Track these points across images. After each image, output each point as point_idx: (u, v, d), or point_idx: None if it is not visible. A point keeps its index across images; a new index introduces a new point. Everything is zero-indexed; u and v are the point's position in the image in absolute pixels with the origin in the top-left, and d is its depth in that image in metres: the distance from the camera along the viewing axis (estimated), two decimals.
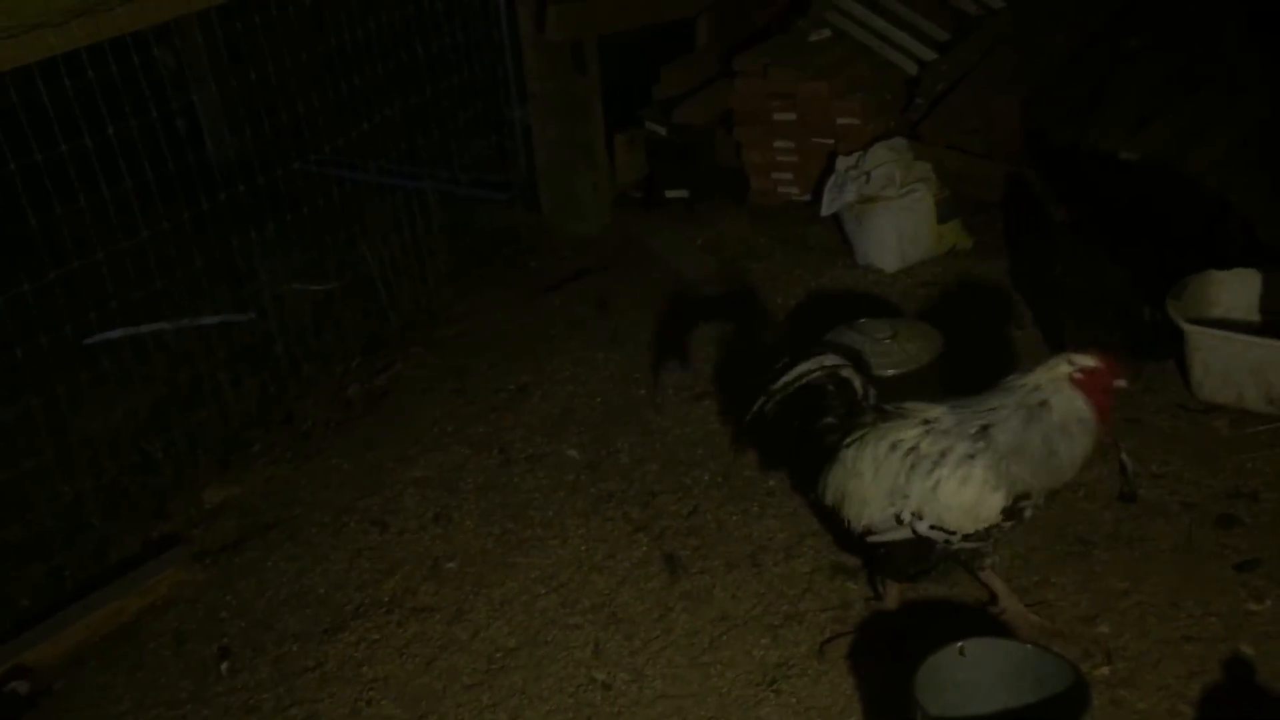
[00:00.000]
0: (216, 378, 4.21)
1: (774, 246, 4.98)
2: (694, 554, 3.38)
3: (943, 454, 2.80)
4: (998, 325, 4.19)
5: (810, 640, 3.04)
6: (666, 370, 4.21)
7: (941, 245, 4.72)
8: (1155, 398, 3.71)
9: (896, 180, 4.71)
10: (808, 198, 5.20)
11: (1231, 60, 5.47)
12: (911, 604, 3.11)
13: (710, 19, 5.82)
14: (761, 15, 5.90)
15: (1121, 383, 2.78)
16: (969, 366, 3.43)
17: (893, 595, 3.07)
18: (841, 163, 4.92)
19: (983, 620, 2.99)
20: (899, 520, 2.84)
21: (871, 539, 2.92)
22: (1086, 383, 2.72)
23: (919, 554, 2.90)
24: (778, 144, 5.23)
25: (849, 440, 2.92)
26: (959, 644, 2.53)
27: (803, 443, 3.01)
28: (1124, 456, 3.40)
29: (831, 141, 5.12)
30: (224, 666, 3.20)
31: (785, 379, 2.95)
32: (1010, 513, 2.78)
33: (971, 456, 2.76)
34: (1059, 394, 2.73)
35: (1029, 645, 2.59)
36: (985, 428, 2.78)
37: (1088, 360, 2.74)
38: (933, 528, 2.81)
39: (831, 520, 3.06)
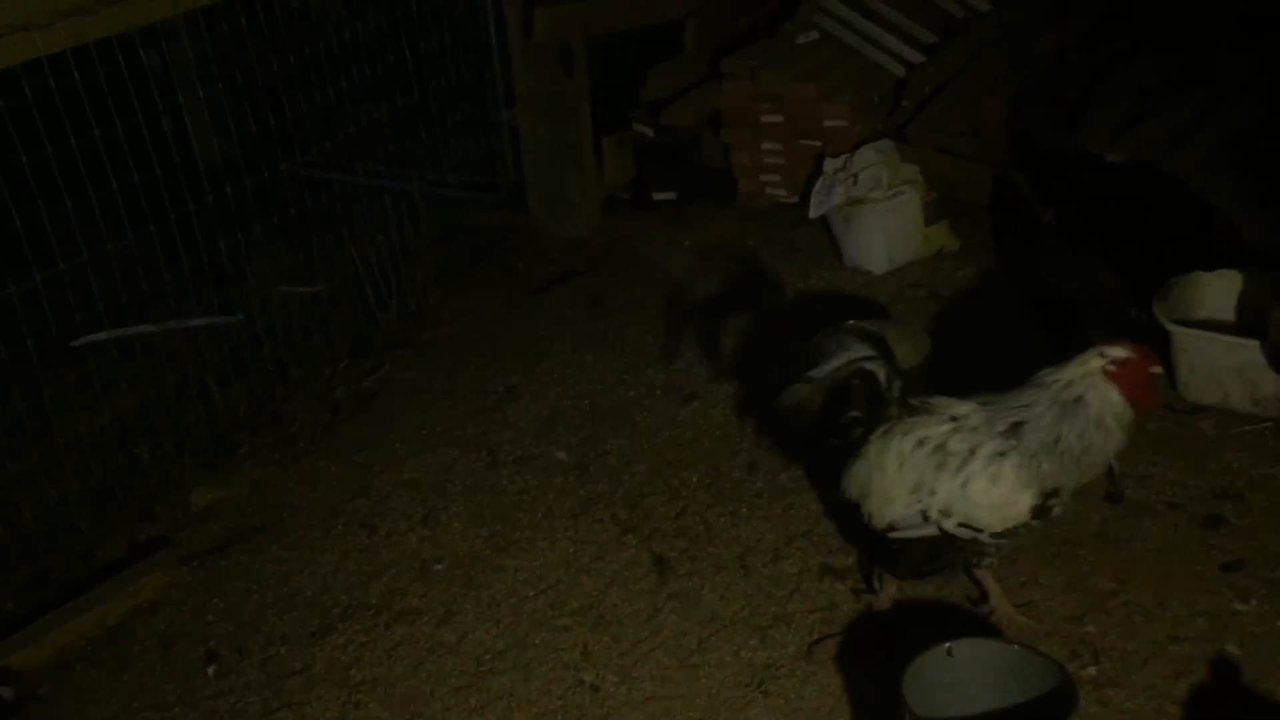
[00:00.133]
0: (204, 380, 4.20)
1: (762, 248, 4.99)
2: (682, 555, 3.38)
3: (972, 451, 2.77)
4: (985, 327, 4.20)
5: (798, 641, 3.04)
6: (655, 370, 4.22)
7: (929, 247, 4.73)
8: None
9: (884, 182, 4.72)
10: (795, 200, 5.20)
11: (1218, 62, 5.49)
12: (899, 605, 3.11)
13: (698, 21, 5.83)
14: (749, 18, 5.91)
15: (1156, 369, 2.77)
16: (956, 368, 3.44)
17: (888, 594, 3.06)
18: (829, 165, 4.93)
19: (970, 621, 3.00)
20: (925, 517, 2.80)
21: (893, 535, 2.88)
22: (1120, 375, 2.70)
23: (939, 551, 2.87)
24: (765, 146, 5.24)
25: (874, 435, 2.88)
26: (947, 645, 2.54)
27: (825, 436, 2.97)
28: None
29: (819, 144, 5.12)
30: (211, 669, 3.19)
31: (822, 372, 2.90)
32: (1039, 510, 2.76)
33: (1002, 454, 2.74)
34: (1093, 389, 2.71)
35: (1016, 646, 2.60)
36: (1017, 425, 2.75)
37: (1120, 351, 2.71)
38: (961, 525, 2.78)
39: (851, 516, 3.00)
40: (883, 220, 4.65)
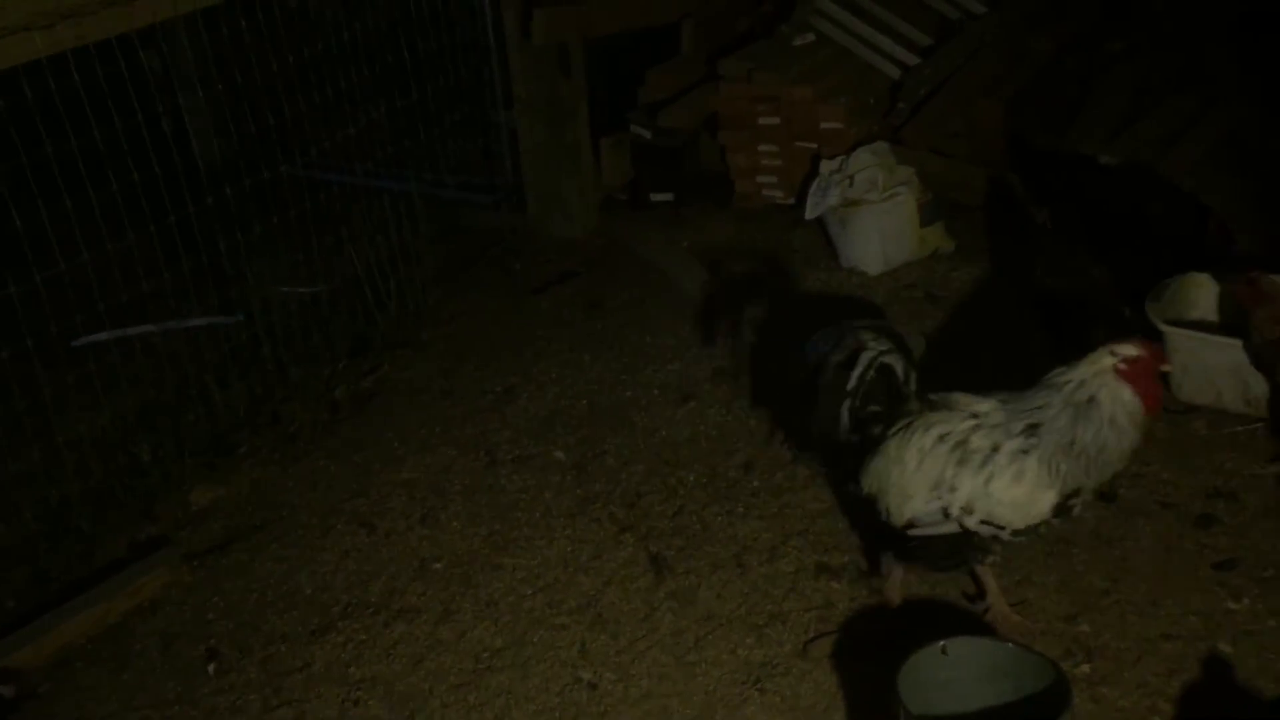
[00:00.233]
0: (204, 380, 4.22)
1: (758, 249, 5.01)
2: (679, 554, 3.40)
3: (994, 448, 2.77)
4: (980, 327, 4.23)
5: (794, 639, 3.06)
6: (653, 370, 4.24)
7: (924, 248, 4.75)
8: None
9: (879, 184, 4.74)
10: (792, 201, 5.22)
11: (1212, 63, 5.52)
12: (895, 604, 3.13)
13: (695, 23, 5.85)
14: (746, 20, 5.93)
15: (1166, 368, 2.78)
16: (953, 368, 3.46)
17: (895, 587, 3.04)
18: (825, 166, 4.95)
19: (965, 619, 3.02)
20: (946, 514, 2.80)
21: (913, 533, 2.88)
22: (1131, 373, 2.70)
23: (958, 548, 2.87)
24: (762, 148, 5.26)
25: (893, 430, 2.88)
26: (941, 643, 2.55)
27: (845, 430, 2.95)
28: None
29: (815, 145, 5.15)
30: (211, 667, 3.20)
31: (857, 375, 2.88)
32: (1060, 509, 2.76)
33: (1025, 452, 2.74)
34: (1105, 387, 2.71)
35: (1010, 644, 2.62)
36: (1033, 427, 2.76)
37: (1131, 349, 2.72)
38: (983, 523, 2.78)
39: (866, 513, 3.00)
40: (878, 221, 4.67)
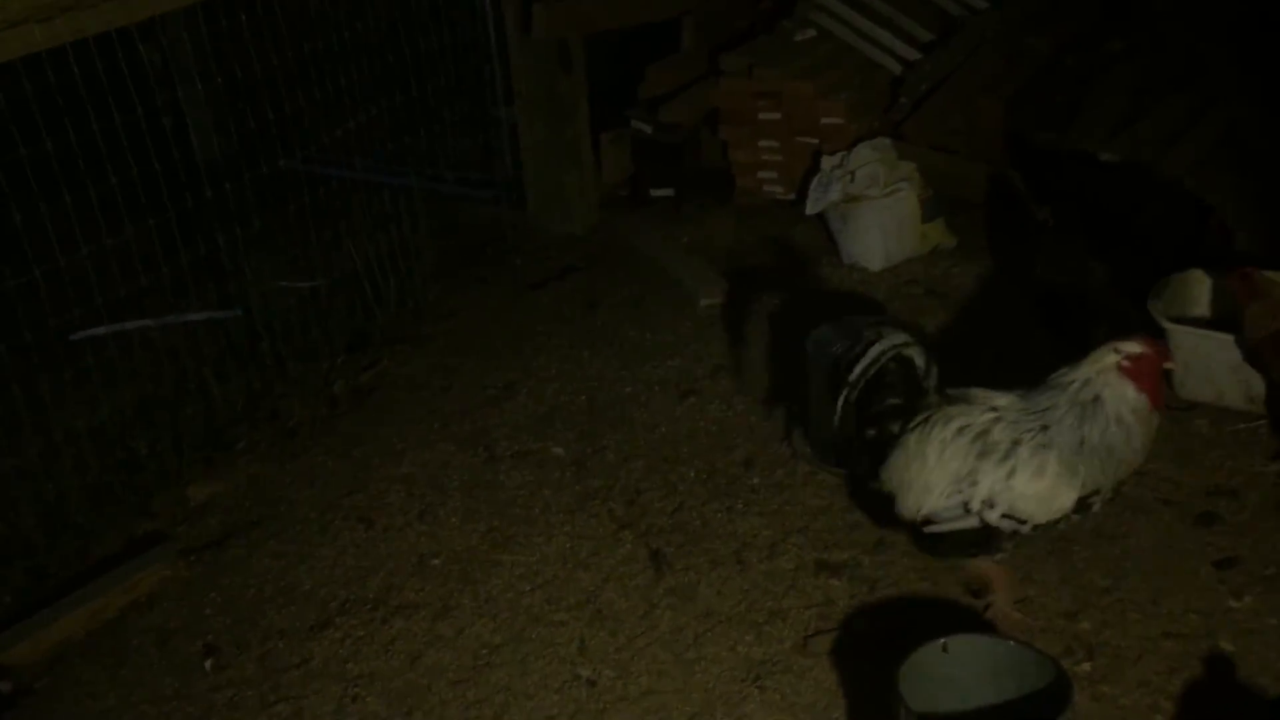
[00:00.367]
0: (202, 375, 4.21)
1: (759, 245, 5.00)
2: (679, 551, 3.39)
3: (1015, 442, 2.75)
4: (981, 324, 4.22)
5: (794, 636, 3.05)
6: (652, 366, 4.23)
7: (925, 244, 4.74)
8: None
9: (881, 180, 4.73)
10: (793, 197, 5.22)
11: (1212, 62, 5.51)
12: (894, 601, 3.13)
13: (695, 19, 5.84)
14: (747, 15, 5.92)
15: (1170, 365, 2.77)
16: (951, 365, 3.43)
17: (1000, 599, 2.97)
18: (826, 162, 4.94)
19: (966, 616, 3.01)
20: (966, 509, 2.78)
21: (930, 529, 2.85)
22: (1135, 370, 2.70)
23: (981, 543, 2.84)
24: (763, 143, 5.25)
25: (913, 423, 2.85)
26: (942, 640, 2.55)
27: (862, 426, 2.93)
28: None
29: (816, 141, 5.14)
30: (209, 663, 3.20)
31: (861, 367, 2.84)
32: (1081, 505, 2.76)
33: (1046, 446, 2.73)
34: (1109, 386, 2.70)
35: (1011, 641, 2.61)
36: (1044, 428, 2.75)
37: (1134, 347, 2.71)
38: (1004, 516, 2.76)
39: (885, 509, 2.97)
40: (879, 217, 4.66)
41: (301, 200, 4.54)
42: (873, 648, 2.95)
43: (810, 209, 4.90)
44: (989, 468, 2.75)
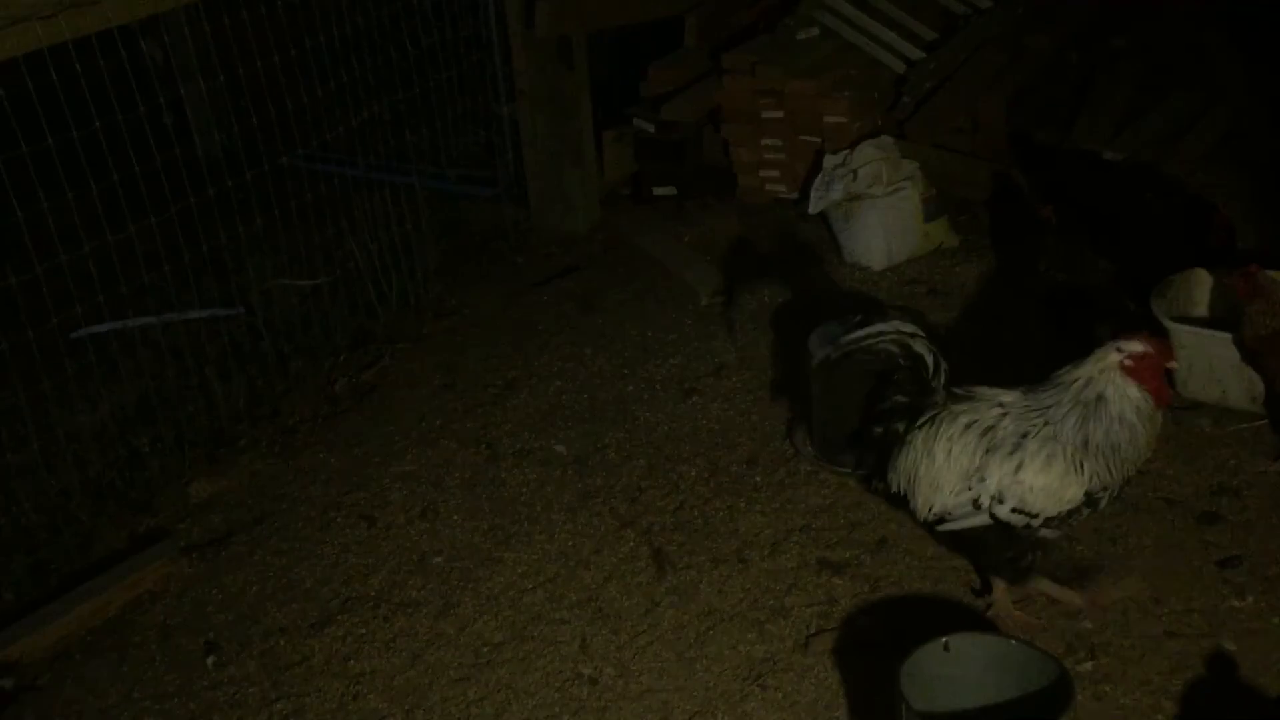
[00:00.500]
0: (204, 373, 4.21)
1: (761, 244, 5.00)
2: (680, 549, 3.39)
3: (1024, 435, 2.75)
4: (984, 323, 4.22)
5: (796, 635, 3.05)
6: (654, 364, 4.23)
7: (928, 243, 4.74)
8: None
9: (883, 178, 4.73)
10: (795, 195, 5.21)
11: (1215, 60, 5.51)
12: (896, 599, 3.13)
13: (698, 17, 5.83)
14: (749, 13, 5.91)
15: (1173, 364, 2.77)
16: (953, 364, 3.43)
17: (1050, 588, 2.96)
18: (829, 161, 4.93)
19: (968, 615, 3.01)
20: (977, 505, 2.78)
21: (943, 528, 2.86)
22: (1137, 369, 2.70)
23: (1006, 541, 2.83)
24: (765, 142, 5.24)
25: (920, 421, 2.85)
26: (944, 639, 2.55)
27: (869, 424, 2.93)
28: None
29: (819, 140, 5.13)
30: (210, 660, 3.20)
31: (860, 333, 2.84)
32: (1089, 500, 2.75)
33: (1054, 438, 2.73)
34: (1112, 384, 2.70)
35: (1013, 640, 2.61)
36: (1047, 425, 2.75)
37: (1136, 345, 2.71)
38: (1014, 511, 2.76)
39: (896, 510, 2.98)
40: (882, 216, 4.66)
41: (303, 197, 4.54)
42: (874, 646, 2.95)
43: (813, 208, 4.89)
44: (997, 462, 2.75)
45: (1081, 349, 2.83)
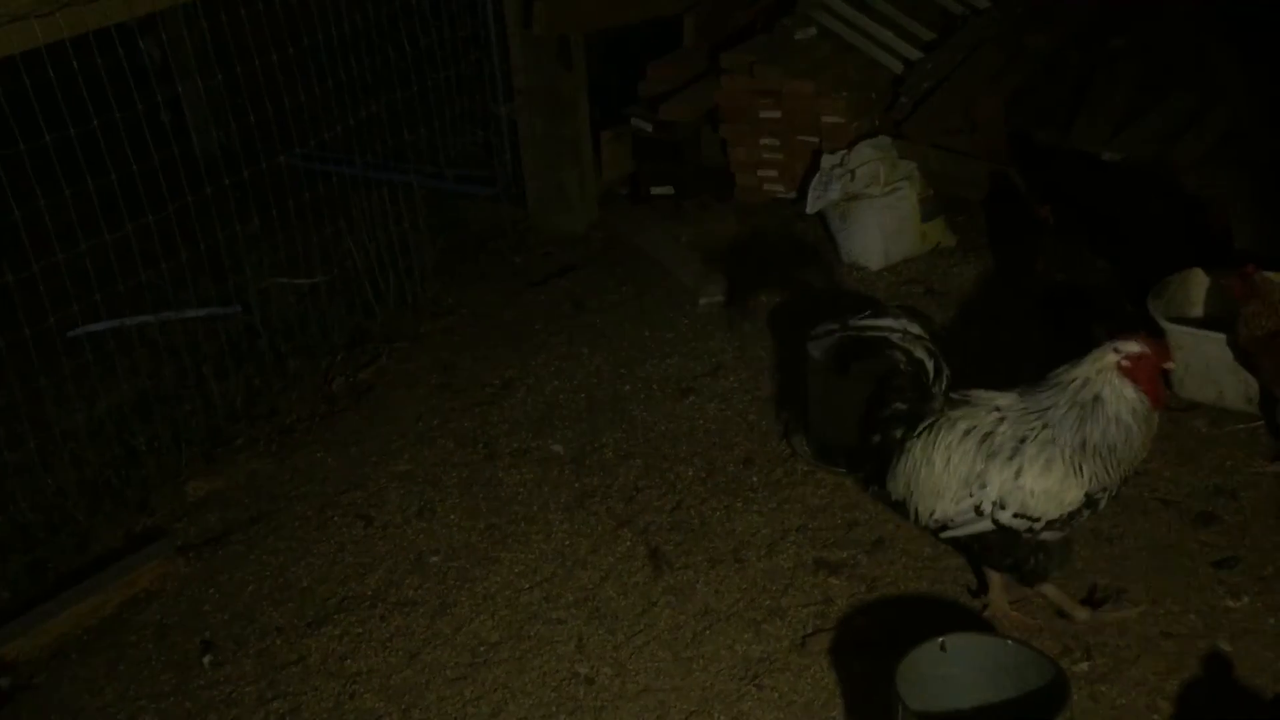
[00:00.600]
0: (201, 371, 4.21)
1: (759, 243, 5.00)
2: (677, 549, 3.39)
3: (1022, 440, 2.75)
4: (982, 323, 4.22)
5: (792, 635, 3.05)
6: (651, 364, 4.23)
7: (925, 243, 4.74)
8: None
9: (881, 178, 4.73)
10: (793, 195, 5.21)
11: (1213, 61, 5.51)
12: (892, 599, 3.13)
13: (696, 16, 5.83)
14: (747, 13, 5.91)
15: (1169, 365, 2.77)
16: (951, 365, 3.43)
17: (1056, 596, 2.94)
18: (827, 160, 4.93)
19: (964, 615, 3.01)
20: (978, 512, 2.78)
21: (945, 534, 2.85)
22: (1134, 370, 2.70)
23: (1008, 545, 2.82)
24: (763, 141, 5.24)
25: (919, 428, 2.85)
26: (940, 639, 2.55)
27: (868, 430, 2.93)
28: None
29: (817, 139, 5.13)
30: (206, 660, 3.20)
31: (864, 323, 2.84)
32: (1089, 501, 2.75)
33: (1052, 442, 2.73)
34: (1108, 385, 2.70)
35: (1009, 640, 2.61)
36: (1045, 427, 2.75)
37: (1133, 346, 2.71)
38: (1016, 516, 2.75)
39: (896, 516, 2.98)
40: (879, 216, 4.66)
41: (301, 196, 4.54)
42: (871, 646, 2.95)
43: (810, 208, 4.89)
44: (997, 468, 2.75)
45: (1079, 349, 2.82)
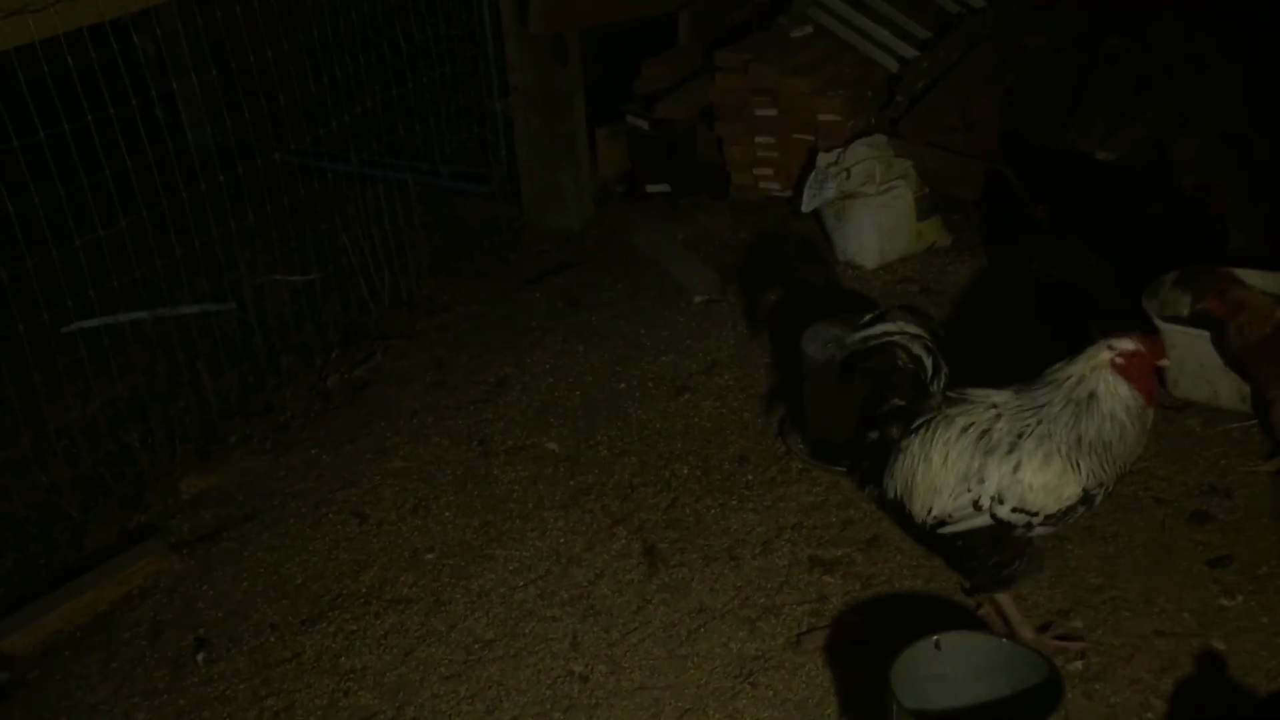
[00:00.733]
0: (195, 368, 4.20)
1: (754, 242, 5.00)
2: (672, 547, 3.39)
3: (1019, 435, 2.76)
4: (977, 322, 4.22)
5: (787, 633, 3.05)
6: (647, 362, 4.23)
7: (921, 242, 4.74)
8: None
9: (877, 177, 4.73)
10: (789, 194, 5.21)
11: (1209, 61, 5.51)
12: (887, 597, 3.13)
13: (692, 14, 5.82)
14: (743, 11, 5.91)
15: (1164, 362, 2.78)
16: (947, 363, 3.43)
17: (1011, 610, 2.93)
18: (822, 159, 4.93)
19: (959, 614, 3.01)
20: (977, 506, 2.78)
21: (944, 530, 2.85)
22: (1128, 367, 2.70)
23: (999, 543, 2.83)
24: (759, 140, 5.24)
25: (915, 425, 2.85)
26: (935, 637, 2.55)
27: (864, 429, 2.92)
28: None
29: (812, 138, 5.13)
30: (200, 657, 3.19)
31: (867, 333, 2.84)
32: (1086, 497, 2.76)
33: (1048, 437, 2.73)
34: (1103, 382, 2.71)
35: (1004, 639, 2.62)
36: (1040, 424, 2.75)
37: (1127, 343, 2.72)
38: (1015, 510, 2.76)
39: (894, 515, 2.97)
40: (875, 215, 4.66)
41: (296, 193, 4.53)
42: (865, 644, 2.95)
43: (806, 206, 4.90)
44: (995, 463, 2.76)
45: (1076, 347, 2.83)
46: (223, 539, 3.61)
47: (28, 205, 3.56)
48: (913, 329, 2.85)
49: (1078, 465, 2.71)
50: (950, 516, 2.82)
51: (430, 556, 3.46)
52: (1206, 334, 3.58)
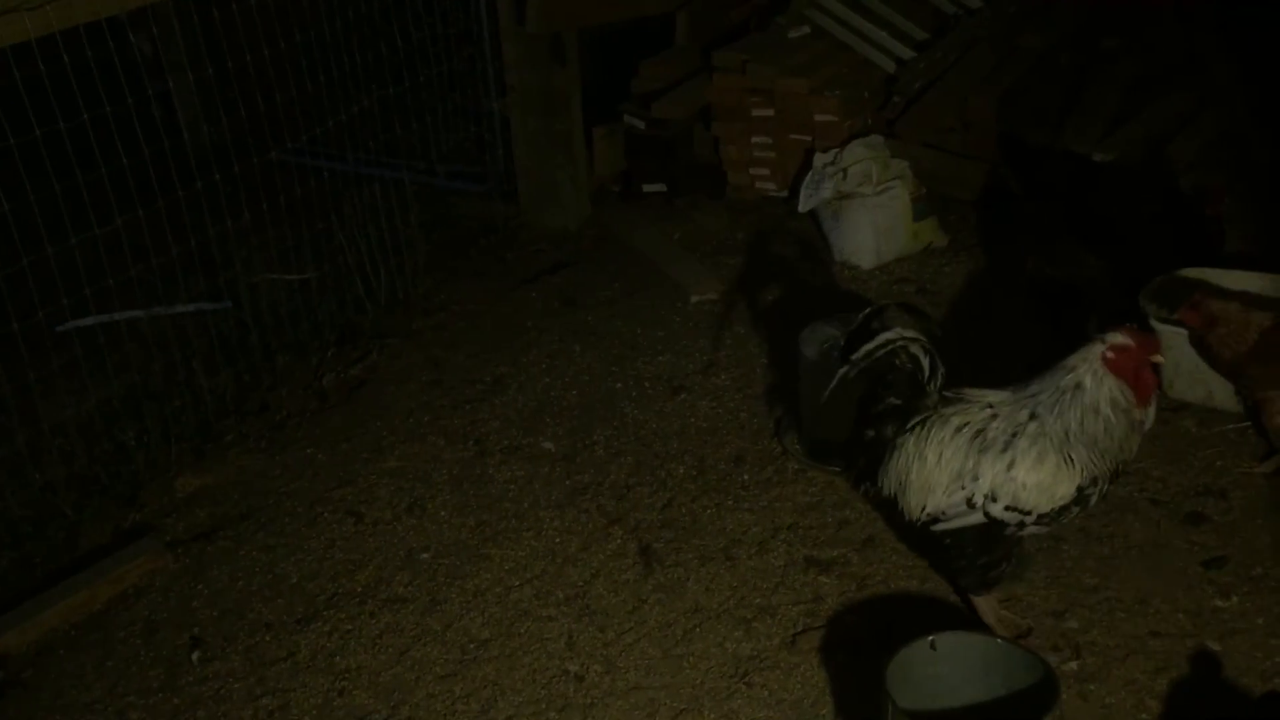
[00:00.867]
0: (191, 366, 4.19)
1: (751, 242, 5.00)
2: (668, 547, 3.39)
3: (1014, 434, 2.76)
4: (973, 322, 4.22)
5: (783, 633, 3.05)
6: (643, 361, 4.23)
7: (917, 242, 4.74)
8: None
9: (873, 177, 4.73)
10: (785, 194, 5.21)
11: (1206, 61, 5.51)
12: (883, 598, 3.13)
13: (690, 14, 5.83)
14: (740, 11, 5.91)
15: (1158, 358, 2.78)
16: (943, 363, 3.44)
17: (990, 615, 2.95)
18: (819, 159, 4.94)
19: (954, 614, 3.01)
20: (970, 504, 2.78)
21: (937, 528, 2.85)
22: (1118, 362, 2.70)
23: (989, 542, 2.83)
24: (756, 140, 5.24)
25: (910, 424, 2.85)
26: (930, 638, 2.55)
27: (860, 427, 2.93)
28: None
29: (809, 138, 5.13)
30: (195, 656, 3.19)
31: (868, 347, 2.83)
32: (1080, 495, 2.76)
33: (1044, 434, 2.73)
34: (1090, 374, 2.71)
35: (999, 639, 2.62)
36: (1032, 416, 2.77)
37: (1119, 338, 2.71)
38: (1008, 509, 2.76)
39: (887, 513, 2.98)
40: (871, 215, 4.66)
41: (292, 192, 4.53)
42: (861, 644, 2.95)
43: (802, 206, 4.90)
44: (989, 461, 2.76)
45: (1073, 348, 2.83)
46: (218, 538, 3.61)
47: (23, 203, 3.56)
48: (910, 332, 2.85)
49: (1071, 459, 2.72)
50: (943, 514, 2.82)
51: (426, 556, 3.46)
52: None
